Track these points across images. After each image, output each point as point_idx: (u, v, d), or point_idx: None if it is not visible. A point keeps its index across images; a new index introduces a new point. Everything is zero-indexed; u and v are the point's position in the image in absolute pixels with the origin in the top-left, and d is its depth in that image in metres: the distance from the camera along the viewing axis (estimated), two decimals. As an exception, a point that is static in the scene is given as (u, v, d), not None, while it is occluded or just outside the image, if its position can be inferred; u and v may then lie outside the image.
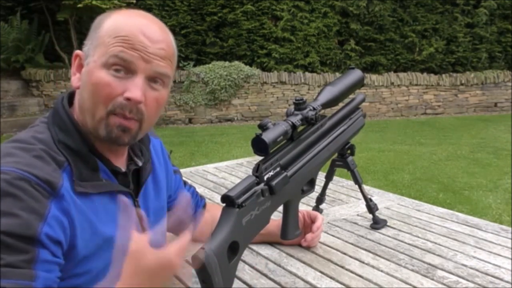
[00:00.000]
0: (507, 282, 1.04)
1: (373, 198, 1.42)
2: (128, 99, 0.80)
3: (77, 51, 0.86)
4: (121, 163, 0.91)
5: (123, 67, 0.80)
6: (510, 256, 1.17)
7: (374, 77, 8.24)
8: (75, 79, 0.86)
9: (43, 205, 0.73)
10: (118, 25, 0.82)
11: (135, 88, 0.80)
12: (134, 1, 7.48)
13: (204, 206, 1.26)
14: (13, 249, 0.68)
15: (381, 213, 1.45)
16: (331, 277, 1.08)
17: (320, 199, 1.48)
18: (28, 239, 0.70)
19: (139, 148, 0.96)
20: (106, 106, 0.80)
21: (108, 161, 0.87)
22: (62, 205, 0.76)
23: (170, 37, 0.88)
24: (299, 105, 1.08)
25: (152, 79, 0.83)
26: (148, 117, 0.84)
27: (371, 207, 1.38)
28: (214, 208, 1.25)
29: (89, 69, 0.82)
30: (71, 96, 0.89)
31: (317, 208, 1.48)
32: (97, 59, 0.81)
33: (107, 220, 0.84)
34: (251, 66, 8.01)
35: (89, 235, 0.80)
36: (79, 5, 6.71)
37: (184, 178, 1.22)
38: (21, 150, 0.77)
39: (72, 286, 0.79)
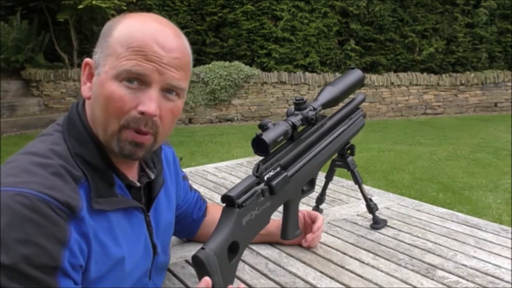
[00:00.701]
0: (507, 282, 1.04)
1: (373, 198, 1.42)
2: (142, 113, 0.76)
3: (87, 59, 0.83)
4: (133, 175, 0.88)
5: (137, 79, 0.77)
6: (510, 256, 1.17)
7: (374, 77, 8.23)
8: (86, 89, 0.82)
9: (64, 231, 0.70)
10: (130, 33, 0.77)
11: (150, 102, 0.76)
12: (134, 1, 7.48)
13: (205, 210, 1.25)
14: (34, 280, 0.66)
15: (381, 213, 1.45)
16: (331, 277, 1.08)
17: (320, 199, 1.48)
18: (50, 269, 0.67)
19: (151, 159, 0.92)
20: (119, 121, 0.77)
21: (123, 175, 0.84)
22: (81, 228, 0.74)
23: (185, 42, 0.84)
24: (299, 105, 1.08)
25: (167, 89, 0.79)
26: (163, 129, 0.81)
27: (371, 207, 1.38)
28: (215, 209, 1.25)
29: (101, 80, 0.78)
30: (84, 104, 0.85)
31: (317, 208, 1.48)
32: (108, 70, 0.77)
33: (120, 239, 0.82)
34: (251, 66, 8.01)
35: (100, 257, 0.78)
36: (80, 6, 6.71)
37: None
38: (39, 166, 0.74)
39: None
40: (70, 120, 0.83)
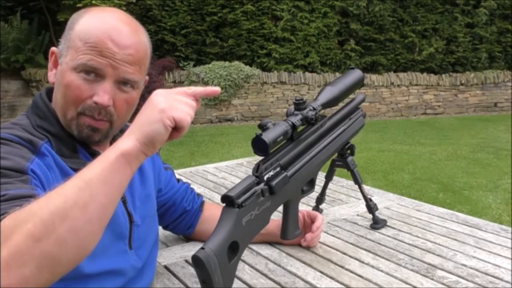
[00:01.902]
0: (507, 282, 1.04)
1: (373, 198, 1.42)
2: (96, 103, 0.84)
3: (53, 48, 0.90)
4: (101, 149, 0.93)
5: (93, 72, 0.84)
6: (510, 256, 1.17)
7: (374, 77, 8.24)
8: (52, 75, 0.90)
9: (28, 153, 0.79)
10: (88, 29, 0.84)
11: (103, 93, 0.84)
12: (134, 0, 7.48)
13: (202, 205, 1.26)
14: (9, 176, 0.73)
15: (381, 213, 1.45)
16: (331, 277, 1.08)
17: (320, 199, 1.49)
18: (18, 170, 0.75)
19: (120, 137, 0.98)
20: (76, 108, 0.85)
21: (87, 145, 0.90)
22: (45, 161, 0.81)
23: (142, 38, 0.89)
24: (299, 105, 1.08)
25: (122, 82, 0.87)
26: (119, 117, 0.89)
27: (371, 207, 1.38)
28: (214, 208, 1.26)
29: (62, 70, 0.86)
30: (50, 91, 0.93)
31: (317, 208, 1.48)
32: (68, 61, 0.85)
33: None
34: (251, 66, 8.01)
35: None
36: (79, 5, 6.71)
37: (183, 178, 1.22)
38: (3, 129, 0.82)
39: None
40: (33, 103, 0.91)
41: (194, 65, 7.89)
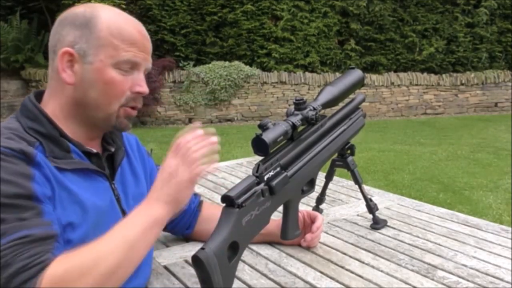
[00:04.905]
0: (507, 282, 1.04)
1: (373, 198, 1.42)
2: (138, 92, 0.91)
3: (66, 48, 0.88)
4: (93, 146, 0.95)
5: (130, 65, 0.90)
6: (510, 256, 1.16)
7: (374, 77, 8.24)
8: (68, 76, 0.88)
9: (26, 168, 0.78)
10: (119, 27, 0.88)
11: (143, 83, 0.92)
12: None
13: (200, 204, 1.26)
14: (20, 207, 0.74)
15: (381, 213, 1.45)
16: (331, 277, 1.08)
17: (320, 199, 1.48)
18: (25, 197, 0.75)
19: (110, 137, 1.01)
20: (120, 101, 0.90)
21: (78, 143, 0.91)
22: (41, 171, 0.80)
23: None
24: (299, 105, 1.08)
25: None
26: None
27: (371, 207, 1.38)
28: (213, 208, 1.25)
29: (97, 68, 0.87)
30: (38, 95, 0.93)
31: (317, 208, 1.48)
32: (104, 59, 0.87)
33: (85, 191, 0.88)
34: (251, 66, 8.01)
35: (68, 203, 0.84)
36: (78, 4, 6.71)
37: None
38: None
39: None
40: (22, 106, 0.91)
41: (194, 65, 7.88)
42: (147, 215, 0.82)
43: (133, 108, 0.93)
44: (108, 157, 0.98)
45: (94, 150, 0.93)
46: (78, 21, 0.89)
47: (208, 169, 0.87)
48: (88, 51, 0.87)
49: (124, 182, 0.99)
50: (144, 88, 0.92)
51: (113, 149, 0.99)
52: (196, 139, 0.88)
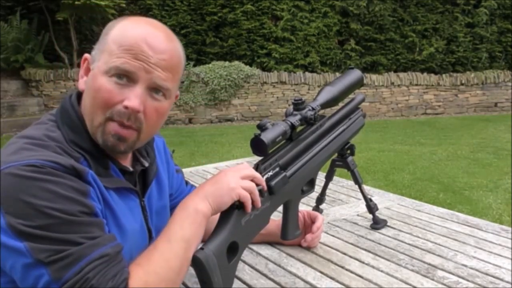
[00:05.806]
0: (507, 282, 1.03)
1: (373, 198, 1.42)
2: (126, 107, 0.80)
3: (86, 55, 0.88)
4: (127, 163, 0.92)
5: (125, 76, 0.81)
6: (510, 256, 1.16)
7: (374, 77, 8.23)
8: (82, 82, 0.87)
9: (81, 184, 0.76)
10: (124, 33, 0.83)
11: (135, 97, 0.81)
12: None
13: None
14: (87, 224, 0.74)
15: (381, 213, 1.45)
16: (331, 277, 1.08)
17: (320, 199, 1.48)
18: (89, 214, 0.75)
19: (144, 148, 0.97)
20: (105, 113, 0.81)
21: (116, 160, 0.88)
22: (93, 188, 0.79)
23: (177, 46, 0.88)
24: (298, 105, 1.08)
25: (154, 89, 0.84)
26: (147, 126, 0.85)
27: (371, 207, 1.38)
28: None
29: (93, 74, 0.84)
30: (79, 96, 0.89)
31: (317, 208, 1.48)
32: (101, 65, 0.83)
33: (123, 215, 0.86)
34: (251, 66, 8.01)
35: (111, 224, 0.83)
36: (77, 2, 6.71)
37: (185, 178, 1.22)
38: (37, 146, 0.77)
39: None
40: (63, 110, 0.87)
41: (194, 65, 7.88)
42: (197, 212, 0.84)
43: (121, 124, 0.82)
44: (140, 173, 0.95)
45: (130, 169, 0.91)
46: (104, 29, 0.88)
47: (246, 198, 0.90)
48: (95, 57, 0.85)
49: (150, 198, 0.97)
50: (131, 103, 0.80)
51: (146, 164, 0.95)
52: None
